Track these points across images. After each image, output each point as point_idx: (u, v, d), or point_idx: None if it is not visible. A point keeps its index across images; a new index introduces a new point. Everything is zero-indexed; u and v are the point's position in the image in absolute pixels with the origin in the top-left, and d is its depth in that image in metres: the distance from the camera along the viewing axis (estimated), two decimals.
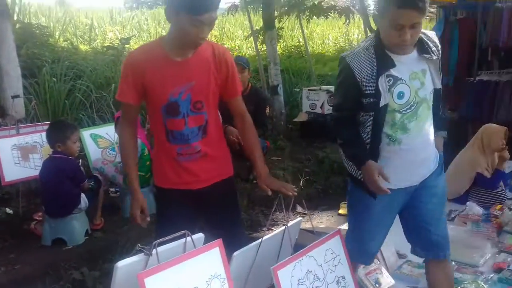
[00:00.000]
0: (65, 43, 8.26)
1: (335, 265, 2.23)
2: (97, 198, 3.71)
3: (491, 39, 5.25)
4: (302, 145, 5.43)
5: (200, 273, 1.72)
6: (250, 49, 10.70)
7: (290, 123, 6.40)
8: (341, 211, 4.12)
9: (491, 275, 2.85)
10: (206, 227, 2.37)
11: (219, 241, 1.81)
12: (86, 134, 4.27)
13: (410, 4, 1.81)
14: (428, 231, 2.17)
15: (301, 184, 4.42)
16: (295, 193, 2.07)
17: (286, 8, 8.33)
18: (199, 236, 1.84)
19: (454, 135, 5.64)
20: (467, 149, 4.18)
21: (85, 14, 12.04)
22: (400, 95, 1.97)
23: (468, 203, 3.81)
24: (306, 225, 3.81)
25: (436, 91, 2.07)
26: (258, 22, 9.28)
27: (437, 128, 2.17)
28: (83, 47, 8.40)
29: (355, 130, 2.09)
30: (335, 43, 13.97)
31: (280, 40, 10.03)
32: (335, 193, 4.58)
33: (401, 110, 1.99)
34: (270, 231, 2.87)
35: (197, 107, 2.02)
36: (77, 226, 3.53)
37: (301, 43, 10.67)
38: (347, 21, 8.85)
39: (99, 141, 4.29)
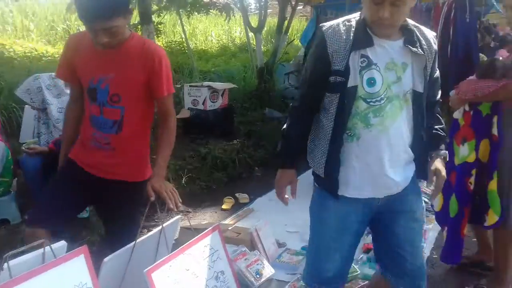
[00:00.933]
0: None
1: (214, 261, 2.21)
2: None
3: None
4: (185, 142, 5.35)
5: (62, 284, 1.57)
6: None
7: None
8: (224, 206, 4.14)
9: (361, 256, 3.05)
10: (101, 220, 2.42)
11: (84, 248, 1.69)
12: None
13: None
14: (404, 259, 1.89)
15: (183, 182, 4.37)
16: (175, 210, 2.04)
17: (165, 2, 8.14)
18: (61, 244, 1.69)
19: None
20: None
21: None
22: (371, 82, 1.71)
23: None
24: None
25: (416, 94, 1.77)
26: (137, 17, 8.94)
27: (431, 147, 1.89)
28: None
29: (304, 127, 1.89)
30: (218, 40, 14.04)
31: (161, 35, 9.80)
32: (218, 188, 4.60)
33: (368, 100, 1.72)
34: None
35: (114, 100, 2.05)
36: None
37: (183, 39, 10.55)
38: (228, 18, 8.94)
39: None
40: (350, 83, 1.70)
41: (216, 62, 9.89)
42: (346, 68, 1.69)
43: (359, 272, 2.83)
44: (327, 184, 1.82)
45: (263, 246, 3.07)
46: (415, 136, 1.82)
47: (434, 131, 1.91)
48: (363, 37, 1.70)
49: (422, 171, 1.90)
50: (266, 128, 6.23)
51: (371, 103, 1.72)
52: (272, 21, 13.56)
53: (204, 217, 3.95)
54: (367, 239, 3.30)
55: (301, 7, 10.59)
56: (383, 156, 1.75)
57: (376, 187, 1.80)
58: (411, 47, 1.73)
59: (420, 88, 1.77)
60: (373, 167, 1.76)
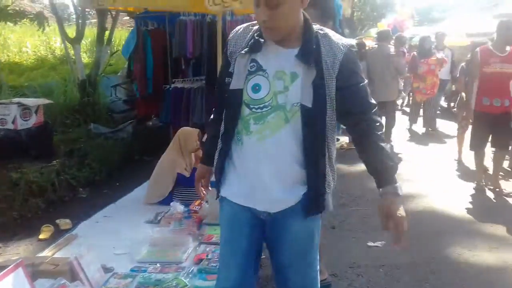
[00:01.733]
0: None
1: None
2: None
3: (180, 49, 5.69)
4: None
5: None
6: None
7: None
8: (42, 236, 3.71)
9: (192, 268, 3.01)
10: None
11: None
12: None
13: None
14: (288, 279, 1.82)
15: None
16: None
17: None
18: None
19: (158, 139, 5.92)
20: (168, 152, 4.40)
21: None
22: (256, 88, 1.65)
23: (172, 203, 3.98)
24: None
25: (305, 109, 1.62)
26: None
27: (377, 184, 1.65)
28: None
29: (217, 127, 1.87)
30: (34, 51, 12.77)
31: None
32: (35, 217, 4.12)
33: (250, 106, 1.66)
34: None
35: None
36: None
37: None
38: (42, 28, 8.20)
39: None
40: (233, 86, 1.69)
41: (32, 76, 8.97)
42: (233, 70, 1.70)
43: (188, 285, 2.77)
44: (216, 183, 1.85)
45: (85, 275, 2.81)
46: (307, 157, 1.67)
47: (374, 164, 1.67)
48: (255, 42, 1.67)
49: (313, 202, 1.72)
50: (91, 145, 5.83)
51: (253, 110, 1.66)
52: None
53: (17, 251, 3.48)
54: (198, 250, 3.29)
55: (128, 17, 10.28)
56: (261, 166, 1.67)
57: (253, 197, 1.73)
58: (299, 58, 1.62)
59: (308, 103, 1.62)
60: (251, 176, 1.71)
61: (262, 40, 1.67)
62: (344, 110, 1.68)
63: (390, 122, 7.27)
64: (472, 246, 3.66)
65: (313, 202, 1.72)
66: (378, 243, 3.67)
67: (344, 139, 7.33)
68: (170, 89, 5.86)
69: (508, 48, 4.71)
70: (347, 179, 5.34)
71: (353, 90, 1.68)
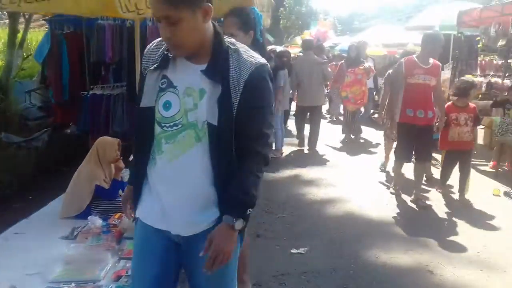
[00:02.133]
0: None
1: None
2: None
3: (98, 54, 5.46)
4: None
5: None
6: None
7: None
8: None
9: (110, 286, 2.87)
10: None
11: None
12: None
13: None
14: None
15: None
16: None
17: None
18: None
19: (76, 149, 5.62)
20: (86, 163, 4.17)
21: None
22: (167, 106, 1.59)
23: (89, 217, 3.77)
24: None
25: (211, 128, 1.55)
26: None
27: (225, 209, 1.57)
28: None
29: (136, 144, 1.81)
30: None
31: None
32: None
33: (162, 124, 1.60)
34: None
35: None
36: None
37: None
38: None
39: None
40: (144, 104, 1.63)
41: None
42: (144, 87, 1.64)
43: None
44: (134, 204, 1.78)
45: None
46: (217, 178, 1.60)
47: (230, 190, 1.58)
48: (165, 57, 1.62)
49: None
50: (1, 155, 5.41)
51: (165, 128, 1.60)
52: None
53: None
54: (118, 266, 3.15)
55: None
56: (172, 188, 1.61)
57: (166, 220, 1.65)
58: (205, 74, 1.56)
59: (213, 121, 1.55)
60: (163, 197, 1.64)
61: (171, 55, 1.62)
62: (237, 130, 1.58)
63: (316, 127, 7.47)
64: (390, 249, 3.82)
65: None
66: (301, 250, 3.73)
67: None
68: (88, 95, 5.60)
69: (431, 60, 4.83)
70: (272, 186, 5.39)
71: (252, 113, 1.60)
